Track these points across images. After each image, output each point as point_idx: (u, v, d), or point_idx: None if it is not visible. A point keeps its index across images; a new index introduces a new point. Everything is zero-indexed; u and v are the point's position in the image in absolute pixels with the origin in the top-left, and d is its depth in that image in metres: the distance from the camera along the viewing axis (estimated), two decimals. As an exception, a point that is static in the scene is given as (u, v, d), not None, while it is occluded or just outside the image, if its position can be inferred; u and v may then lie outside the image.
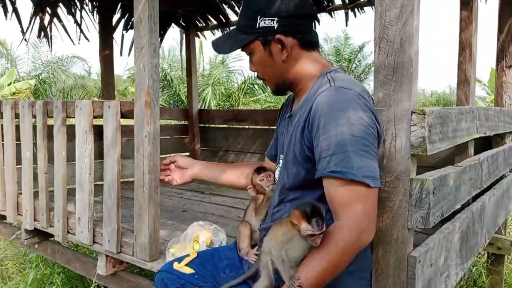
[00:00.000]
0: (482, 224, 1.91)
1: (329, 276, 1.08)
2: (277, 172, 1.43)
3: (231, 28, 1.40)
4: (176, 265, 1.50)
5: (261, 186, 1.47)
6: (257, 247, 1.41)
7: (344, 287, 1.20)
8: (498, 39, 2.77)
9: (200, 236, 1.75)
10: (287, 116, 1.39)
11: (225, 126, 4.32)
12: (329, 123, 1.10)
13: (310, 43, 1.31)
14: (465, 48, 1.96)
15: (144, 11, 1.77)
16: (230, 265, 1.49)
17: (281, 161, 1.37)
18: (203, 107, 12.05)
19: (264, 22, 1.24)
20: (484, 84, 18.84)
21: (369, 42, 19.26)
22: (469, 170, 1.53)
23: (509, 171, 2.75)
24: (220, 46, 1.35)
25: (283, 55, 1.28)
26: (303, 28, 1.29)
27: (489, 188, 2.14)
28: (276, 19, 1.24)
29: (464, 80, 1.96)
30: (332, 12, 3.72)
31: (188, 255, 1.55)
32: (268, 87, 1.43)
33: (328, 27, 11.63)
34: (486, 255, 2.87)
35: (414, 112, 1.13)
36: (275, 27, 1.24)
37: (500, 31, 2.74)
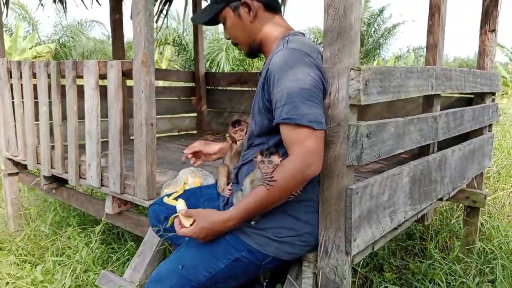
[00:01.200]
0: (443, 173, 2.13)
1: (277, 196, 1.34)
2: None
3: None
4: (165, 199, 1.80)
5: (234, 138, 1.73)
6: (231, 184, 1.68)
7: (296, 213, 1.46)
8: (483, 4, 2.88)
9: (189, 178, 2.03)
10: (258, 74, 1.63)
11: (229, 88, 4.54)
12: (280, 79, 1.34)
13: (272, 7, 1.55)
14: (435, 13, 2.11)
15: (139, -21, 1.98)
16: (209, 199, 1.78)
17: (251, 113, 1.61)
18: (217, 71, 12.24)
19: None
20: (508, 50, 18.33)
21: (389, 5, 18.81)
22: (417, 122, 1.75)
23: (488, 130, 2.93)
24: (198, 17, 1.63)
25: (250, 17, 1.52)
26: None
27: (456, 142, 2.36)
28: None
29: (433, 43, 2.12)
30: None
31: (176, 192, 1.85)
32: (243, 51, 1.67)
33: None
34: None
35: (352, 69, 1.35)
36: None
37: (485, -5, 2.85)
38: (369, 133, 1.41)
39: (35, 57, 13.76)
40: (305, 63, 1.34)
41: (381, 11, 18.51)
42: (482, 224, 3.06)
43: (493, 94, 2.88)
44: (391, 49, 19.23)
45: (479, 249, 2.74)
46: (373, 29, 18.95)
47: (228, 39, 1.65)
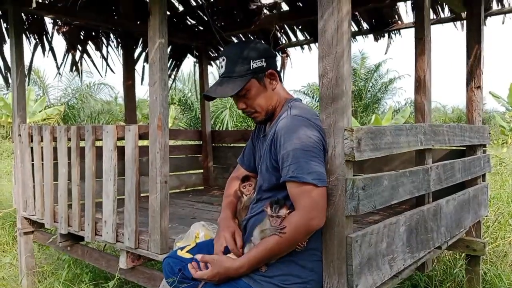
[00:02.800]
0: (439, 223, 2.26)
1: (284, 246, 1.49)
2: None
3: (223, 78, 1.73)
4: (179, 252, 1.93)
5: (242, 192, 1.90)
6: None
7: (302, 261, 1.60)
8: (467, 64, 3.14)
9: (200, 232, 2.17)
10: (261, 136, 1.83)
11: (234, 145, 4.75)
12: (286, 142, 1.54)
13: (280, 76, 1.76)
14: (420, 76, 2.35)
15: (156, 55, 2.25)
16: (220, 250, 1.90)
17: (258, 170, 1.80)
18: (221, 129, 12.61)
19: (257, 64, 1.68)
20: (504, 100, 18.70)
21: (385, 61, 19.57)
22: (410, 175, 1.91)
23: (482, 180, 3.08)
24: (220, 92, 1.68)
25: (273, 85, 1.72)
26: (276, 64, 1.75)
27: (452, 191, 2.50)
28: (263, 59, 1.68)
29: (420, 102, 2.34)
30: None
31: (189, 245, 1.98)
32: (255, 119, 1.79)
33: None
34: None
35: (346, 129, 1.54)
36: (265, 66, 1.68)
37: (468, 56, 3.12)
38: (364, 185, 1.57)
39: (45, 119, 14.23)
40: (306, 127, 1.54)
41: (377, 67, 19.25)
42: (485, 273, 3.11)
43: (484, 146, 3.06)
44: (389, 103, 19.64)
45: (484, 297, 2.79)
46: (371, 84, 19.60)
47: (243, 108, 1.75)
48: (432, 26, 3.63)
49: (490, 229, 3.53)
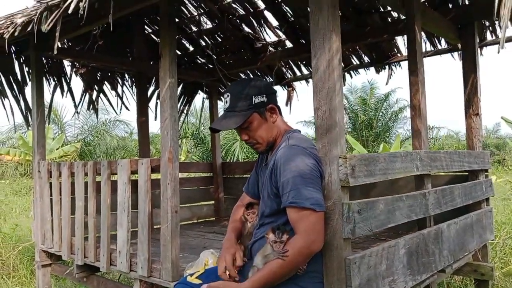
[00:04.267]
0: (441, 246, 2.32)
1: (287, 269, 1.59)
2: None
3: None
4: (189, 278, 2.03)
5: (246, 219, 2.01)
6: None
7: (304, 283, 1.69)
8: (464, 92, 3.26)
9: (209, 259, 2.27)
10: (263, 165, 1.96)
11: (245, 176, 4.88)
12: (285, 170, 1.66)
13: (280, 110, 1.90)
14: (415, 105, 2.47)
15: (166, 93, 2.43)
16: (227, 276, 2.00)
17: (261, 197, 1.92)
18: (232, 161, 12.78)
19: (258, 99, 1.83)
20: (517, 126, 18.58)
21: (395, 91, 19.74)
22: (406, 199, 2.01)
23: (486, 205, 3.14)
24: (224, 125, 1.84)
25: (274, 118, 1.86)
26: (276, 100, 1.90)
27: (454, 216, 2.56)
28: (264, 95, 1.84)
29: (417, 130, 2.46)
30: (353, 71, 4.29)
31: (198, 271, 2.08)
32: (257, 150, 1.93)
33: (355, 77, 12.30)
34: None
35: (340, 157, 1.66)
36: (266, 101, 1.83)
37: (465, 85, 3.25)
38: (360, 209, 1.68)
39: (62, 156, 14.61)
40: (304, 155, 1.67)
41: (387, 96, 19.40)
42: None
43: (486, 171, 3.13)
44: (400, 131, 19.60)
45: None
46: (381, 113, 19.71)
47: (245, 140, 1.90)
48: (433, 57, 3.82)
49: (500, 254, 3.53)
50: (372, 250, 1.78)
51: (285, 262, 1.58)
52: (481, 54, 3.49)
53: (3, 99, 3.80)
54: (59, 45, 3.86)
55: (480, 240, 2.85)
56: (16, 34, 2.40)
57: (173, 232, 2.38)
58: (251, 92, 1.82)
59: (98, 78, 4.53)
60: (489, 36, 3.50)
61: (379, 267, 1.80)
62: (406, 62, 3.90)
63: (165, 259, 2.40)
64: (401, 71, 4.20)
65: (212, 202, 4.88)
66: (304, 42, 3.96)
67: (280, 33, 4.05)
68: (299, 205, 1.59)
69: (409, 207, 2.02)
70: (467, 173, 3.09)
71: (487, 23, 3.38)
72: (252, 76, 4.74)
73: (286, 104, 4.85)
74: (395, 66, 4.05)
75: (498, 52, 3.54)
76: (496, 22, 3.31)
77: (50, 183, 3.44)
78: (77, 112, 4.51)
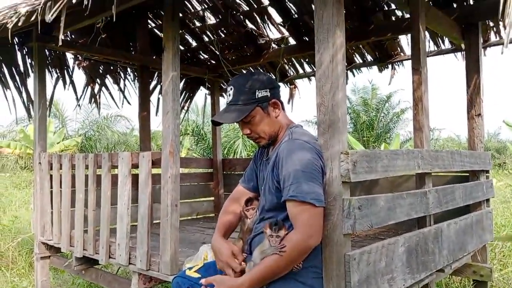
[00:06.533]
0: (440, 245, 2.32)
1: (284, 263, 1.58)
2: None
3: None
4: (187, 272, 2.03)
5: (246, 215, 2.00)
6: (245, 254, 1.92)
7: (303, 278, 1.68)
8: (467, 92, 3.25)
9: (208, 253, 2.27)
10: (264, 159, 1.95)
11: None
12: (286, 163, 1.66)
13: (283, 105, 1.89)
14: (418, 103, 2.47)
15: (169, 86, 2.42)
16: (226, 270, 2.00)
17: (261, 191, 1.91)
18: (235, 158, 12.77)
19: (261, 93, 1.82)
20: (519, 129, 18.56)
21: (397, 92, 19.72)
22: (407, 197, 2.00)
23: (486, 206, 3.13)
24: (224, 118, 1.84)
25: (276, 113, 1.85)
26: (279, 94, 1.88)
27: (454, 216, 2.56)
28: (268, 89, 1.82)
29: (419, 128, 2.46)
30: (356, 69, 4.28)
31: (197, 265, 2.08)
32: (259, 144, 1.92)
33: (356, 78, 12.32)
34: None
35: (342, 153, 1.66)
36: (269, 95, 1.82)
37: (468, 85, 3.23)
38: (360, 205, 1.67)
39: (62, 150, 14.62)
40: (306, 150, 1.66)
41: (388, 97, 19.38)
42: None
43: (487, 171, 3.13)
44: (402, 133, 19.57)
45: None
46: (382, 114, 19.69)
47: (247, 134, 1.89)
48: (437, 57, 3.81)
49: (499, 256, 3.52)
50: (371, 246, 1.78)
51: (283, 257, 1.58)
52: (484, 54, 3.48)
53: (5, 90, 3.80)
54: (63, 38, 3.86)
55: (479, 241, 2.84)
56: (20, 24, 2.39)
57: (172, 225, 2.38)
58: (254, 86, 1.81)
59: (101, 71, 4.52)
60: (493, 37, 3.50)
61: (378, 264, 1.80)
62: (409, 61, 3.93)
63: (164, 253, 2.40)
64: (404, 72, 4.19)
65: (212, 198, 4.88)
66: (307, 39, 3.95)
67: (284, 30, 4.04)
68: (299, 199, 1.59)
69: (409, 205, 2.02)
70: (467, 174, 3.09)
71: (491, 24, 3.37)
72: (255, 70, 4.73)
73: (288, 102, 4.85)
74: (398, 66, 4.05)
75: (502, 53, 3.52)
76: (501, 23, 3.30)
77: (51, 175, 3.44)
78: (79, 106, 4.50)
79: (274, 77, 4.55)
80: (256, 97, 1.80)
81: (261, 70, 4.69)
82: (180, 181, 2.59)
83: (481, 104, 3.22)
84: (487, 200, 3.08)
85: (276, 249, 1.59)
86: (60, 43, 2.05)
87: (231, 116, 1.81)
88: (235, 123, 1.92)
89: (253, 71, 4.66)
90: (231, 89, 1.84)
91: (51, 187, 3.42)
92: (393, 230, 3.31)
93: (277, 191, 1.74)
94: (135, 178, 2.71)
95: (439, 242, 2.30)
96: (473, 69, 3.20)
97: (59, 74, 4.16)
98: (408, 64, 4.07)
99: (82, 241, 3.03)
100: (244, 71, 4.74)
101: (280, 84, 4.69)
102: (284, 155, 1.68)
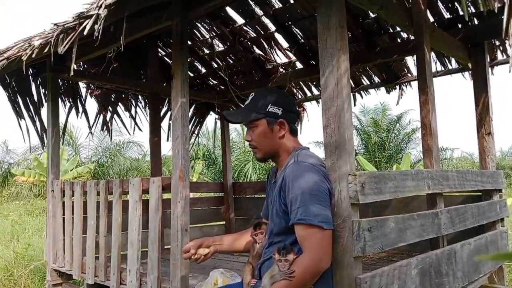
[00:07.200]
0: (454, 267, 2.28)
1: (293, 286, 1.57)
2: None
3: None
4: (198, 297, 2.02)
5: (254, 239, 2.00)
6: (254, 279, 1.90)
7: (313, 303, 1.66)
8: (476, 111, 3.25)
9: (218, 279, 2.25)
10: (272, 182, 1.96)
11: (256, 196, 4.87)
12: (293, 186, 1.66)
13: (296, 132, 1.90)
14: (426, 124, 2.47)
15: (178, 112, 2.47)
16: (237, 294, 1.98)
17: (269, 215, 1.91)
18: (245, 181, 12.76)
19: (273, 109, 1.85)
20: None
21: (407, 112, 19.67)
22: (418, 218, 1.98)
23: (501, 226, 3.07)
24: (233, 116, 1.96)
25: (281, 133, 1.86)
26: (293, 119, 1.90)
27: (468, 237, 2.52)
28: (281, 109, 1.85)
29: (428, 148, 2.45)
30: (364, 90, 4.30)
31: (208, 290, 2.07)
32: (254, 154, 1.95)
33: (367, 99, 12.34)
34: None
35: (350, 174, 1.66)
36: (279, 114, 1.85)
37: (476, 104, 3.23)
38: (370, 227, 1.66)
39: (75, 177, 14.77)
40: (312, 172, 1.67)
41: (399, 118, 19.32)
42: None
43: (500, 191, 3.08)
44: (414, 153, 19.41)
45: None
46: (394, 134, 19.59)
47: (248, 140, 1.93)
48: (445, 78, 3.82)
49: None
50: (383, 269, 1.75)
51: (292, 283, 1.56)
52: (492, 73, 3.48)
53: (19, 120, 3.89)
54: (75, 67, 3.98)
55: (495, 262, 2.78)
56: (33, 56, 2.48)
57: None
58: (270, 100, 1.84)
59: (112, 99, 4.62)
60: (499, 56, 3.51)
61: (390, 287, 1.77)
62: (417, 82, 3.95)
63: (175, 278, 2.39)
64: (412, 92, 4.19)
65: (223, 222, 4.86)
66: (314, 63, 4.00)
67: (291, 55, 4.11)
68: (307, 222, 1.58)
69: (420, 226, 2.00)
70: (480, 193, 3.05)
71: (497, 43, 3.39)
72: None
73: (297, 124, 4.86)
74: (406, 86, 4.06)
75: (510, 71, 3.53)
76: (507, 42, 3.31)
77: (63, 202, 3.48)
78: (91, 133, 4.59)
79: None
80: (267, 110, 1.82)
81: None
82: (190, 205, 2.61)
83: (491, 122, 3.20)
84: (502, 219, 3.02)
85: (285, 274, 1.58)
86: (72, 73, 2.11)
87: (238, 116, 1.94)
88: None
89: (281, 90, 4.69)
90: (252, 95, 1.90)
91: (64, 214, 3.45)
92: (406, 252, 3.25)
93: (285, 214, 1.73)
94: (145, 204, 2.73)
95: (453, 263, 2.26)
96: (481, 88, 3.20)
97: (72, 103, 4.26)
98: (415, 84, 4.09)
99: (94, 268, 3.04)
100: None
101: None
102: (290, 178, 1.69)
